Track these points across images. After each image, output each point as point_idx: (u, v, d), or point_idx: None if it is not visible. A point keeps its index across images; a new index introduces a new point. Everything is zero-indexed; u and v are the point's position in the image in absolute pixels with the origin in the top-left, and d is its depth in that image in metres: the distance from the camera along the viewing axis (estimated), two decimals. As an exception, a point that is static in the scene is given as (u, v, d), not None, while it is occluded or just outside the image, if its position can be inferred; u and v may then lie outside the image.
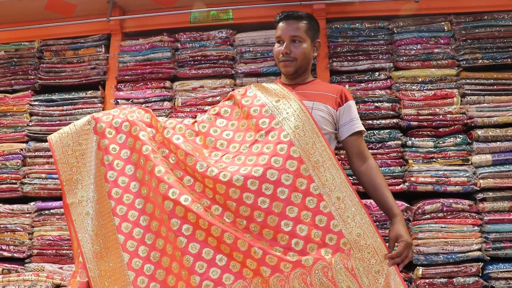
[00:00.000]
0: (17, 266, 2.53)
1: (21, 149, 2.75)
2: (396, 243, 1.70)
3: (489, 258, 2.36)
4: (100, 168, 1.91)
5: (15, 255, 2.57)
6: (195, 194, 1.78)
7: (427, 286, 2.31)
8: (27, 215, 2.61)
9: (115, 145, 1.91)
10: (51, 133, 1.94)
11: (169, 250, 1.78)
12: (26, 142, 2.80)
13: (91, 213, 1.93)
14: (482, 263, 2.34)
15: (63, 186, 1.90)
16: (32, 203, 2.63)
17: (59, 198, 2.52)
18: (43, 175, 2.70)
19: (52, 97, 2.86)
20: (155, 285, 1.78)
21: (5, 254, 2.57)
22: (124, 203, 1.89)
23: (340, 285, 1.63)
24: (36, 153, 2.74)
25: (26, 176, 2.70)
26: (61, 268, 2.51)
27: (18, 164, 2.72)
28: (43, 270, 2.49)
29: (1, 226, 2.60)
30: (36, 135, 2.80)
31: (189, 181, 1.81)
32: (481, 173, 2.46)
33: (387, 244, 1.70)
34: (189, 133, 1.97)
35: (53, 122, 2.80)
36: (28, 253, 2.59)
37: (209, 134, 1.94)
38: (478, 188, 2.44)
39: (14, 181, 2.69)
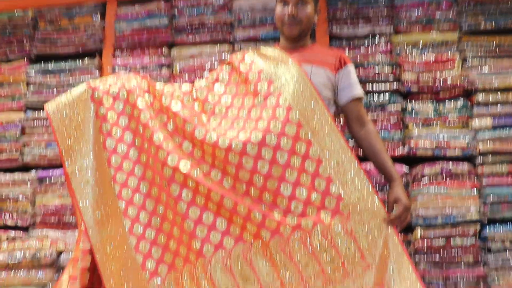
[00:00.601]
0: (21, 234, 2.57)
1: (20, 119, 2.75)
2: (394, 206, 1.72)
3: (486, 220, 2.40)
4: (99, 136, 1.91)
5: (18, 223, 2.60)
6: (194, 160, 1.79)
7: (425, 248, 2.36)
8: (28, 184, 2.63)
9: (113, 113, 1.90)
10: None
11: (170, 216, 1.80)
12: (24, 111, 2.79)
13: (91, 181, 1.94)
14: (480, 225, 2.38)
15: (62, 156, 1.90)
16: (32, 172, 2.64)
17: (59, 167, 2.53)
18: (43, 144, 2.71)
19: (49, 66, 2.83)
20: (157, 250, 1.81)
21: (9, 222, 2.60)
22: (123, 170, 1.90)
23: (339, 247, 1.65)
24: (35, 123, 2.74)
25: (25, 145, 2.71)
26: (64, 235, 2.54)
27: (17, 133, 2.72)
28: (47, 237, 2.52)
29: (3, 195, 2.62)
30: (34, 104, 2.79)
31: (187, 148, 1.82)
32: (480, 137, 2.47)
33: (386, 207, 1.72)
34: (187, 100, 1.96)
35: (51, 91, 2.79)
36: (32, 221, 2.62)
37: (207, 100, 1.93)
38: (478, 152, 2.46)
39: (13, 150, 2.69)
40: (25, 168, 2.70)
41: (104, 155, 1.89)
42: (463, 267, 2.35)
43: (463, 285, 2.34)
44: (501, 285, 2.35)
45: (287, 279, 1.66)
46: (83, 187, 1.95)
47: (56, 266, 2.38)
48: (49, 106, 1.91)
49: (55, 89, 2.79)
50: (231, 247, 1.71)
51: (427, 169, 2.42)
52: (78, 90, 1.93)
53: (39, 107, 2.74)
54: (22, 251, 2.37)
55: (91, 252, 1.96)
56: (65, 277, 2.04)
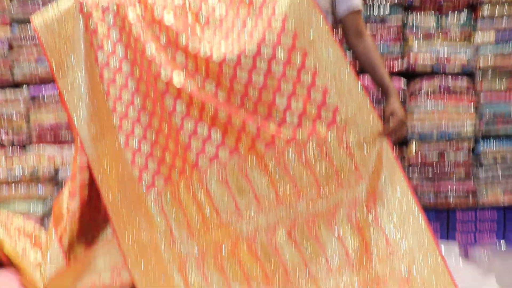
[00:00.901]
0: (18, 151, 2.58)
1: (6, 35, 2.65)
2: (390, 120, 1.71)
3: (481, 136, 2.42)
4: (90, 51, 1.85)
5: (15, 141, 2.61)
6: (188, 73, 1.75)
7: (419, 162, 2.40)
8: (21, 101, 2.60)
9: (103, 27, 1.83)
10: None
11: (165, 129, 1.80)
12: (10, 25, 2.68)
13: (84, 96, 1.92)
14: (474, 141, 2.40)
15: (53, 72, 1.86)
16: (24, 89, 2.61)
17: (51, 83, 2.49)
18: (32, 60, 2.63)
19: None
20: (153, 163, 1.83)
21: (5, 140, 2.61)
22: (116, 84, 1.87)
23: (334, 159, 1.67)
24: (22, 38, 2.65)
25: (14, 62, 2.64)
26: (61, 150, 2.56)
27: (4, 50, 2.64)
28: (44, 153, 2.54)
29: (-2, 114, 2.61)
30: (19, 19, 2.67)
31: (181, 61, 1.77)
32: (482, 52, 2.42)
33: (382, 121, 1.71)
34: (180, 11, 1.88)
35: (36, 4, 2.65)
36: (28, 139, 2.63)
37: (200, 11, 1.85)
38: (478, 68, 2.41)
39: (2, 67, 2.63)
40: (17, 85, 2.66)
41: (96, 70, 1.84)
42: (454, 181, 2.41)
43: (453, 198, 2.42)
44: (489, 198, 2.43)
45: (282, 190, 1.70)
46: (77, 103, 1.93)
47: (55, 181, 2.42)
48: (36, 20, 1.84)
49: (40, 1, 2.66)
50: (226, 159, 1.72)
51: (426, 84, 2.39)
52: (65, 3, 1.85)
53: (25, 21, 2.62)
54: (21, 168, 2.40)
55: (88, 167, 1.99)
56: (65, 190, 2.09)
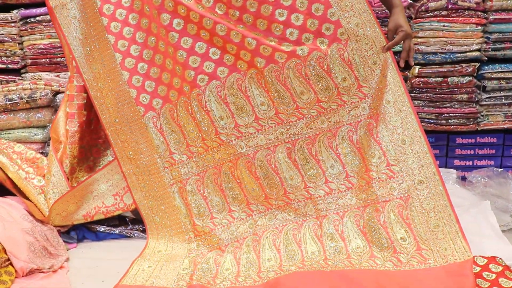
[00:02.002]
0: (14, 76, 2.54)
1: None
2: (395, 34, 1.64)
3: (486, 58, 2.35)
4: None
5: (9, 66, 2.55)
6: None
7: (421, 85, 2.35)
8: (12, 24, 2.51)
9: None
10: None
11: (162, 47, 1.74)
12: None
13: (78, 15, 1.86)
14: (479, 64, 2.34)
15: None
16: (15, 11, 2.50)
17: (43, 4, 2.38)
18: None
19: None
20: (150, 83, 1.79)
21: (0, 66, 2.56)
22: (111, 1, 1.79)
23: (335, 75, 1.63)
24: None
25: (2, -19, 2.52)
26: (57, 76, 2.52)
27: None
28: (41, 78, 2.50)
29: (-12, 37, 2.53)
30: None
31: None
32: (494, -33, 2.27)
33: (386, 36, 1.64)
34: None
35: None
36: (22, 64, 2.57)
37: None
38: (490, -17, 2.29)
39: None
40: (7, 7, 2.55)
41: None
42: (456, 105, 2.38)
43: (454, 122, 2.40)
44: (490, 122, 2.41)
45: (282, 108, 1.68)
46: (70, 22, 1.87)
47: (53, 106, 2.39)
48: None
49: None
50: (225, 76, 1.68)
51: (432, 3, 2.27)
52: None
53: None
54: (18, 93, 2.37)
55: (85, 89, 1.96)
56: (61, 114, 2.06)
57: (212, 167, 1.76)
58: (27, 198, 1.99)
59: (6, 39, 2.52)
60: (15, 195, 2.01)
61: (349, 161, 1.68)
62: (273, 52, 1.61)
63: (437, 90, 2.36)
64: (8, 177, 2.04)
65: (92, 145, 2.15)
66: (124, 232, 1.99)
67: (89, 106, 2.02)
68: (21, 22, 2.51)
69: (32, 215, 1.89)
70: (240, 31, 1.62)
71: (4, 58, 2.56)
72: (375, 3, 2.19)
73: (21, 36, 2.54)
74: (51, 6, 1.88)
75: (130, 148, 1.85)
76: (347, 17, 1.59)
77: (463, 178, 2.43)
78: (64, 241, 1.89)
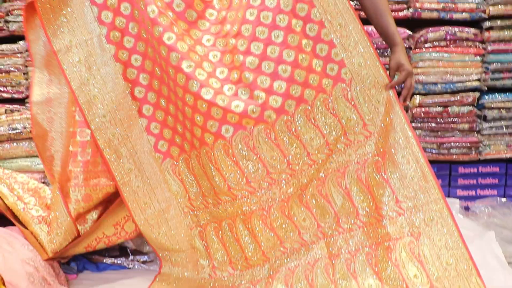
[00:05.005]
0: (18, 106, 2.55)
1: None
2: (396, 72, 1.67)
3: (486, 88, 2.38)
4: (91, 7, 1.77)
5: (14, 95, 2.57)
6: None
7: (422, 115, 2.37)
8: (18, 54, 2.54)
9: None
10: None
11: (172, 98, 1.77)
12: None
13: (83, 60, 1.82)
14: (479, 93, 2.36)
15: (46, 31, 1.77)
16: (21, 42, 2.54)
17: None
18: (27, 11, 2.54)
19: None
20: (168, 131, 1.82)
21: (5, 95, 2.58)
22: (117, 27, 1.79)
23: (341, 115, 1.65)
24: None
25: (9, 14, 2.56)
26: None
27: (-2, 1, 2.56)
28: (45, 108, 2.52)
29: (-6, 68, 2.55)
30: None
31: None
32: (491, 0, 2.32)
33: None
34: None
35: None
36: (27, 93, 2.59)
37: None
38: (487, 16, 2.34)
39: (-3, 20, 2.55)
40: (13, 38, 2.59)
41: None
42: (457, 134, 2.39)
43: (455, 151, 2.40)
44: (492, 152, 2.42)
45: (293, 158, 1.68)
46: (74, 67, 1.83)
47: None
48: None
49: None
50: (230, 136, 1.68)
51: (431, 33, 2.32)
52: None
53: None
54: (22, 122, 2.38)
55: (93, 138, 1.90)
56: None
57: (228, 219, 1.75)
58: (27, 228, 1.96)
59: (12, 69, 2.55)
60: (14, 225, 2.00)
61: (359, 200, 1.66)
62: (283, 102, 1.64)
63: (438, 120, 2.38)
64: (8, 207, 2.03)
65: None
66: (125, 264, 1.97)
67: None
68: (27, 53, 2.55)
69: (32, 244, 1.87)
70: (249, 81, 1.65)
71: (9, 88, 2.58)
72: (375, 35, 2.23)
73: (26, 66, 2.57)
74: (55, 50, 1.82)
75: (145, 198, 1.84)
76: (350, 57, 1.62)
77: (466, 208, 2.42)
78: (64, 272, 1.87)
